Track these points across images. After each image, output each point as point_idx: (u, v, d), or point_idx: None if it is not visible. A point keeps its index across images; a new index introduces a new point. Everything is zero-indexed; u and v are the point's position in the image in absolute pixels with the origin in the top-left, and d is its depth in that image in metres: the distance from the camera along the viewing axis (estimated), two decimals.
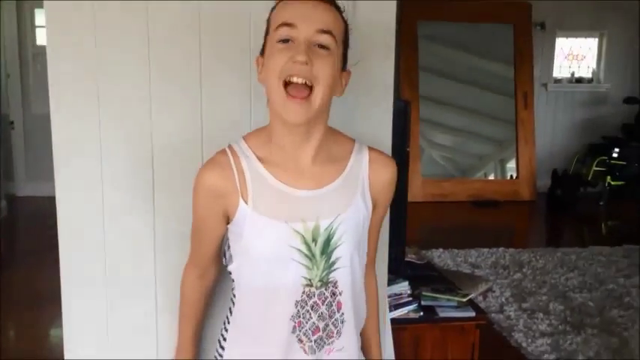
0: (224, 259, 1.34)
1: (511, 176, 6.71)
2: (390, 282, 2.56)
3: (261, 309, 1.26)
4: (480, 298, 3.97)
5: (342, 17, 1.22)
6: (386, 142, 1.59)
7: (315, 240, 1.22)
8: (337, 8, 1.21)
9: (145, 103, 1.47)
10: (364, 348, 1.43)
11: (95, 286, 1.52)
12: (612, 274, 4.41)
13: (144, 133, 1.48)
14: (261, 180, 1.23)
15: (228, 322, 1.34)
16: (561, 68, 7.10)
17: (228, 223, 1.27)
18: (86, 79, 1.45)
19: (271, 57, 1.17)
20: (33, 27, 6.18)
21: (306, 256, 1.22)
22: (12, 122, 6.12)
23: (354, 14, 1.45)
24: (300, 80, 1.14)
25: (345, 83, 1.25)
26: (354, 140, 1.33)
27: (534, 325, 3.59)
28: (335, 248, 1.23)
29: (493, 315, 3.74)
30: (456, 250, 4.86)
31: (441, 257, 4.73)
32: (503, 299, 3.95)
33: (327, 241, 1.22)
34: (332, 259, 1.23)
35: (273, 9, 1.22)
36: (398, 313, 2.51)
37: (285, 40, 1.15)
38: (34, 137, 6.16)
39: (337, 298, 1.26)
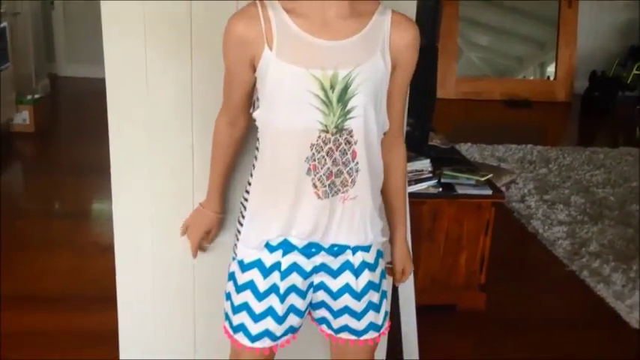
0: (252, 109, 1.45)
1: (548, 77, 6.61)
2: (412, 159, 2.68)
3: (280, 149, 1.37)
4: (503, 188, 4.07)
5: None
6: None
7: (332, 87, 1.30)
8: None
9: None
10: (390, 214, 1.54)
11: (137, 125, 1.64)
12: (638, 173, 4.44)
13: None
14: (285, 29, 1.31)
15: (253, 168, 1.46)
16: None
17: (255, 71, 1.36)
18: None
19: None
20: None
21: (323, 101, 1.31)
22: (52, 2, 6.19)
23: None
24: None
25: None
26: (378, 2, 1.40)
27: (553, 215, 3.70)
28: (351, 97, 1.32)
29: (514, 204, 3.85)
30: (484, 145, 4.92)
31: (469, 151, 4.79)
32: (526, 191, 4.04)
33: (345, 89, 1.31)
34: (348, 107, 1.32)
35: None
36: (417, 187, 2.64)
37: None
38: (74, 18, 6.22)
39: (352, 147, 1.36)
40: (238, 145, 1.54)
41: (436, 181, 2.68)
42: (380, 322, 1.52)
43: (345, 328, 1.51)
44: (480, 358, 2.56)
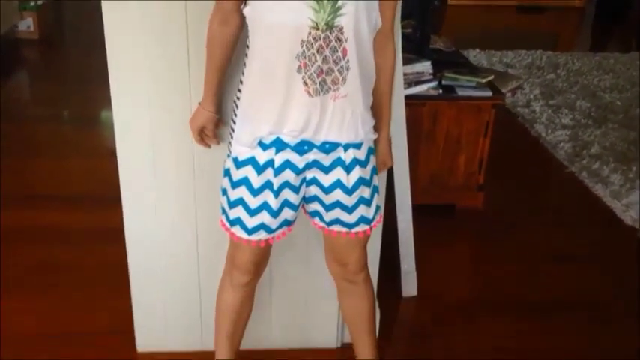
0: (242, 5, 1.44)
1: None
2: (413, 61, 2.68)
3: (270, 46, 1.37)
4: (509, 94, 4.06)
5: None
6: None
7: None
8: None
9: None
10: (376, 112, 1.55)
11: (134, 31, 1.66)
12: None
13: None
14: None
15: (245, 66, 1.47)
16: None
17: None
18: None
19: None
20: None
21: None
22: None
23: None
24: None
25: None
26: None
27: (557, 119, 3.70)
28: None
29: (519, 109, 3.85)
30: (492, 51, 4.86)
31: (477, 57, 4.74)
32: (532, 96, 4.03)
33: None
34: (338, 3, 1.31)
35: None
36: (418, 89, 2.64)
37: None
38: None
39: (343, 45, 1.36)
40: (231, 44, 1.53)
41: (437, 82, 2.68)
42: (371, 216, 1.58)
43: (337, 221, 1.56)
44: (477, 255, 2.65)
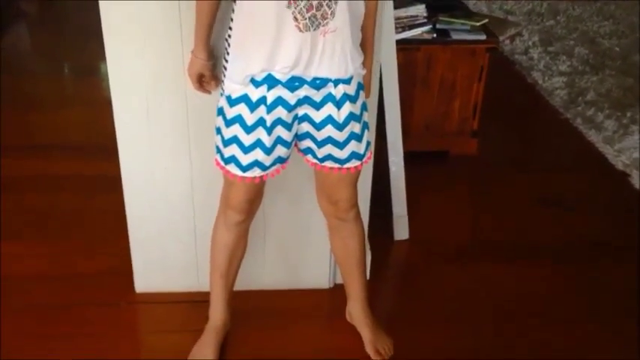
0: None
1: None
2: (407, 4, 2.67)
3: None
4: (507, 41, 4.05)
5: None
6: None
7: None
8: None
9: None
10: (361, 46, 1.56)
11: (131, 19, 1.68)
12: None
13: None
14: None
15: (234, 4, 1.49)
16: None
17: None
18: None
19: None
20: None
21: None
22: None
23: None
24: None
25: None
26: None
27: (554, 66, 3.70)
28: None
29: (517, 56, 3.84)
30: None
31: (477, 4, 4.68)
32: (530, 43, 4.01)
33: None
34: None
35: None
36: (412, 33, 2.64)
37: None
38: None
39: None
40: None
41: (431, 26, 2.68)
42: (362, 152, 1.62)
43: (329, 157, 1.60)
44: (469, 200, 2.70)
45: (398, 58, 2.34)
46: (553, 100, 3.36)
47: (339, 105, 1.53)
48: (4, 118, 3.05)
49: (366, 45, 1.61)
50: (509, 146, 3.01)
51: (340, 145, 1.58)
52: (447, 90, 2.78)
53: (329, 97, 1.52)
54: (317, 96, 1.52)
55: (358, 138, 1.59)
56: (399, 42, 2.42)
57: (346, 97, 1.53)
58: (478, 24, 2.73)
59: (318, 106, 1.53)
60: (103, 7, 1.69)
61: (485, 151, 2.88)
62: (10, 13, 4.45)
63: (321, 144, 1.58)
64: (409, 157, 2.39)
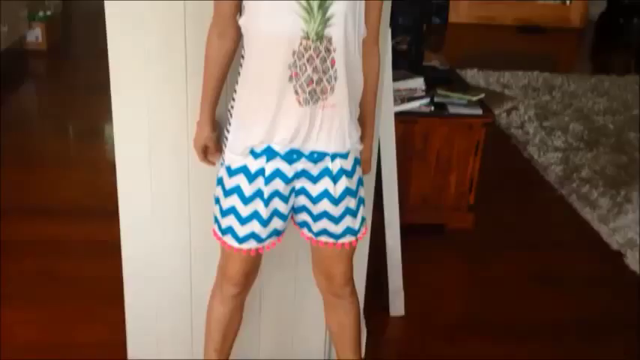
0: (238, 16, 1.50)
1: (563, 1, 6.49)
2: (406, 78, 2.75)
3: (264, 56, 1.44)
4: (504, 114, 4.14)
5: None
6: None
7: None
8: None
9: None
10: (359, 120, 1.60)
11: (135, 43, 1.74)
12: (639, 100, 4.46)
13: None
14: None
15: (239, 76, 1.54)
16: None
17: None
18: None
19: None
20: None
21: (304, 8, 1.37)
22: None
23: None
24: None
25: None
26: None
27: (550, 141, 3.77)
28: (331, 4, 1.38)
29: (513, 130, 3.92)
30: (490, 71, 4.93)
31: (474, 77, 4.82)
32: (526, 117, 4.09)
33: None
34: (327, 14, 1.39)
35: None
36: (410, 105, 2.71)
37: None
38: None
39: (331, 55, 1.43)
40: (228, 58, 1.59)
41: (429, 99, 2.75)
42: (357, 227, 1.63)
43: (324, 232, 1.62)
44: (466, 274, 2.71)
45: (396, 130, 2.40)
46: (548, 176, 3.41)
47: (335, 179, 1.56)
48: (5, 178, 3.08)
49: (366, 121, 1.65)
50: (505, 221, 3.04)
51: (335, 220, 1.60)
52: (444, 163, 2.83)
53: (326, 171, 1.55)
54: (314, 169, 1.55)
55: (353, 213, 1.62)
56: (397, 114, 2.48)
57: (343, 171, 1.56)
58: (475, 99, 2.81)
59: (315, 179, 1.56)
60: (113, 69, 1.75)
61: (482, 225, 2.91)
62: (19, 71, 4.56)
63: (316, 218, 1.61)
64: (406, 231, 2.42)
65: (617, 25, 6.15)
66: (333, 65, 1.44)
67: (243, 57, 1.52)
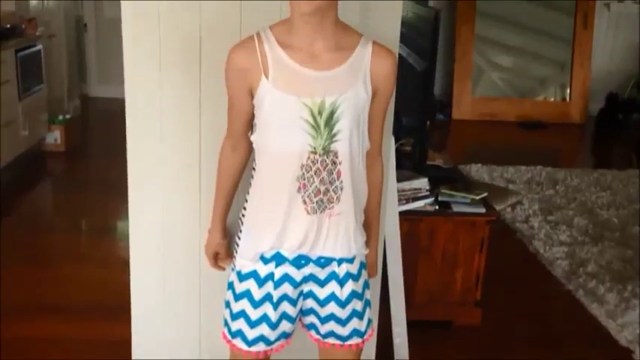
0: (250, 132, 1.62)
1: (563, 98, 6.71)
2: (411, 178, 2.85)
3: (274, 169, 1.54)
4: (509, 209, 4.21)
5: None
6: (394, 44, 1.82)
7: (320, 113, 1.48)
8: None
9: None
10: (364, 227, 1.69)
11: (155, 178, 1.86)
12: None
13: (194, 26, 1.77)
14: (280, 61, 1.49)
15: (250, 186, 1.65)
16: None
17: (253, 99, 1.54)
18: None
19: None
20: None
21: (312, 126, 1.49)
22: (85, 25, 6.52)
23: None
24: None
25: None
26: (361, 35, 1.57)
27: (555, 235, 3.82)
28: (337, 122, 1.50)
29: (517, 224, 3.98)
30: (494, 166, 5.05)
31: (478, 172, 4.93)
32: (531, 211, 4.16)
33: (331, 114, 1.49)
34: (334, 130, 1.50)
35: None
36: (415, 205, 2.79)
37: None
38: (106, 41, 6.55)
39: (337, 167, 1.53)
40: (240, 170, 1.70)
41: (433, 199, 2.83)
42: (363, 329, 1.68)
43: (331, 334, 1.67)
44: None
45: (401, 228, 2.48)
46: (555, 271, 3.44)
47: (342, 283, 1.63)
48: (17, 276, 3.15)
49: (371, 227, 1.73)
50: (512, 317, 3.04)
51: (342, 322, 1.65)
52: (450, 260, 2.88)
53: (333, 275, 1.62)
54: (321, 274, 1.62)
55: (360, 316, 1.67)
56: (402, 213, 2.56)
57: (349, 275, 1.63)
58: (478, 197, 2.89)
59: (322, 283, 1.63)
60: (131, 166, 1.85)
61: (489, 321, 2.91)
62: (37, 171, 4.72)
63: (324, 320, 1.66)
64: (412, 327, 2.43)
65: (617, 121, 6.33)
66: (339, 176, 1.54)
67: (254, 169, 1.62)
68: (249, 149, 1.66)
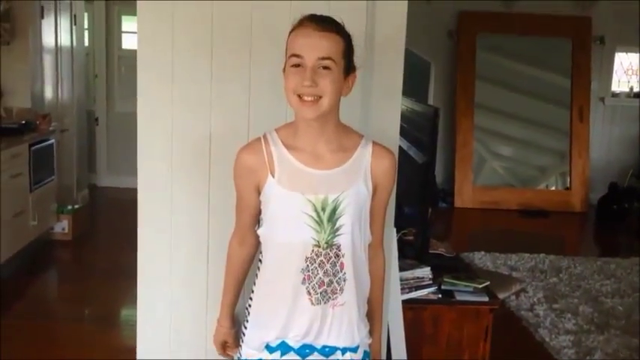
0: (257, 226, 1.69)
1: (566, 187, 6.81)
2: (414, 267, 2.89)
3: (280, 261, 1.61)
4: (513, 297, 4.20)
5: (343, 35, 1.55)
6: (394, 139, 1.92)
7: (323, 209, 1.56)
8: (337, 30, 1.54)
9: (207, 103, 1.88)
10: (368, 316, 1.73)
11: (164, 271, 1.93)
12: None
13: (204, 128, 1.89)
14: (285, 161, 1.59)
15: (257, 277, 1.70)
16: (620, 82, 7.15)
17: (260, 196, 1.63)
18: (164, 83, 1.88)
19: (287, 78, 1.54)
20: (120, 32, 6.83)
21: (316, 221, 1.56)
22: (97, 119, 6.77)
23: (373, 13, 1.82)
24: (309, 98, 1.52)
25: (351, 84, 1.60)
26: (362, 135, 1.68)
27: (560, 324, 3.80)
28: (339, 217, 1.57)
29: (522, 312, 3.97)
30: (497, 254, 5.08)
31: (482, 259, 4.96)
32: (535, 299, 4.16)
33: (333, 210, 1.57)
34: (336, 225, 1.58)
35: (290, 32, 1.56)
36: (418, 293, 2.81)
37: (297, 65, 1.52)
38: (116, 133, 6.79)
39: (340, 260, 1.60)
40: (247, 263, 1.76)
41: (436, 287, 2.85)
42: None
43: None
44: None
45: (406, 316, 2.49)
46: (562, 359, 3.40)
47: None
48: None
49: (374, 315, 1.77)
50: None
51: None
52: (454, 348, 2.86)
53: None
54: None
55: None
56: (405, 301, 2.58)
57: None
58: (480, 286, 2.91)
59: None
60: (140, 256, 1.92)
61: None
62: (43, 259, 4.77)
63: None
64: None
65: (618, 209, 6.41)
66: (342, 268, 1.60)
67: (260, 261, 1.68)
68: (256, 243, 1.72)
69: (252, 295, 1.70)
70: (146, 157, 1.93)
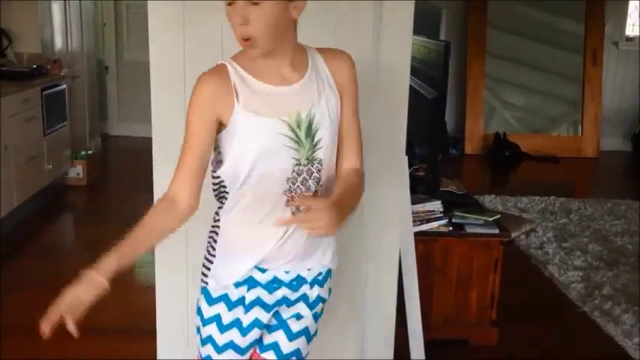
0: (211, 167, 1.53)
1: (576, 134, 6.77)
2: (425, 201, 2.92)
3: (258, 191, 1.49)
4: (523, 236, 4.24)
5: None
6: (404, 75, 1.91)
7: (299, 126, 1.47)
8: None
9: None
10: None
11: None
12: None
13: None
14: (248, 85, 1.47)
15: (215, 242, 1.58)
16: (634, 27, 7.03)
17: (219, 132, 1.47)
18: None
19: (227, 17, 1.44)
20: None
21: (294, 140, 1.47)
22: (106, 67, 6.76)
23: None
24: (246, 41, 1.43)
25: (299, 9, 1.45)
26: (305, 47, 1.56)
27: (570, 261, 3.84)
28: (317, 131, 1.49)
29: (532, 251, 4.01)
30: (507, 197, 5.10)
31: (492, 202, 4.98)
32: (545, 239, 4.20)
33: (309, 125, 1.48)
34: (315, 139, 1.49)
35: None
36: (429, 226, 2.86)
37: (230, 3, 1.42)
38: (126, 82, 6.77)
39: (320, 173, 1.53)
40: (166, 232, 1.58)
41: (447, 220, 2.89)
42: (303, 356, 1.66)
43: (273, 346, 1.64)
44: None
45: (417, 248, 2.54)
46: (570, 294, 3.45)
47: (311, 307, 1.64)
48: (38, 299, 3.19)
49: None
50: (528, 337, 3.06)
51: (291, 336, 1.64)
52: (464, 280, 2.92)
53: (303, 297, 1.62)
54: (292, 295, 1.61)
55: (308, 338, 1.67)
56: (416, 234, 2.63)
57: (319, 299, 1.64)
58: (491, 219, 2.94)
59: (291, 304, 1.63)
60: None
61: (505, 341, 2.93)
62: (59, 204, 4.85)
63: (273, 329, 1.64)
64: (429, 346, 2.46)
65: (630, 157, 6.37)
66: (319, 182, 1.54)
67: (226, 191, 1.56)
68: (188, 208, 1.52)
69: (217, 224, 1.60)
70: (160, 99, 1.93)
